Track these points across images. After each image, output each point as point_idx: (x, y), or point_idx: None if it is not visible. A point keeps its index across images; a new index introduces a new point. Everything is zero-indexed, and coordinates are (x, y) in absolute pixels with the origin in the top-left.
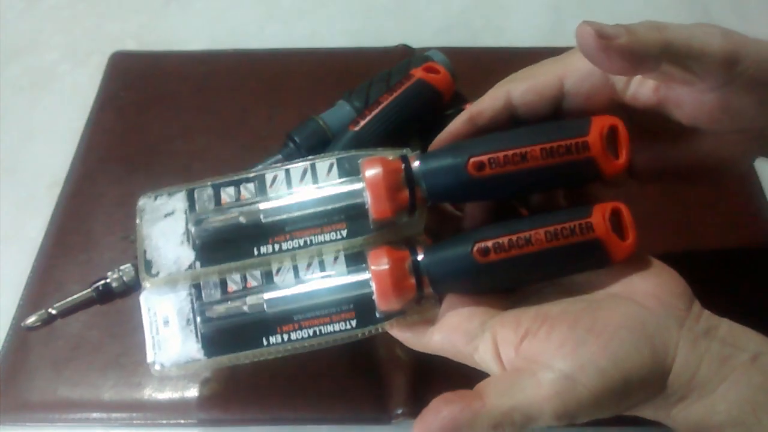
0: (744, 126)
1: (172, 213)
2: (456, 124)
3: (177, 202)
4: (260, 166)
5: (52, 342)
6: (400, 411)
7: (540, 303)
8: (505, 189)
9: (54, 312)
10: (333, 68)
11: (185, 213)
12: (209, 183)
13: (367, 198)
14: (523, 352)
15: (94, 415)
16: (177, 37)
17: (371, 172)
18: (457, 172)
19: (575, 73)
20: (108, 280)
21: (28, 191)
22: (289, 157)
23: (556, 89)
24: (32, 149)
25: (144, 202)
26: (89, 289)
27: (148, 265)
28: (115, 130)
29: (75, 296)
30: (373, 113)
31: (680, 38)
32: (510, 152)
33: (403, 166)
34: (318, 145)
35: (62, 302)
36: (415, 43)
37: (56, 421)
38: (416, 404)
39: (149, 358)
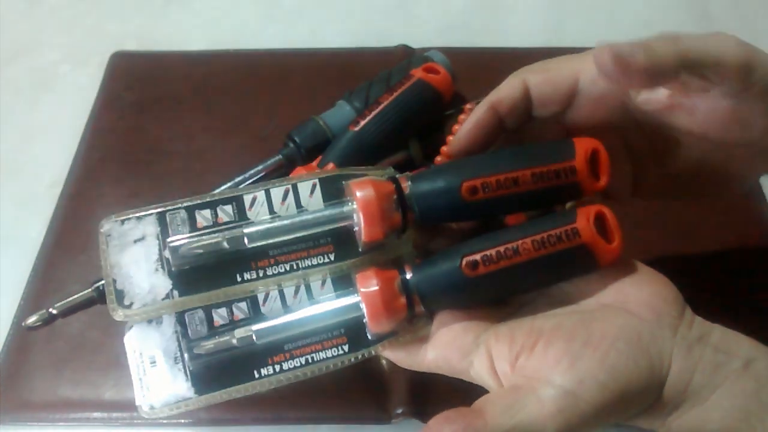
0: (753, 138)
1: (142, 239)
2: (478, 114)
3: (147, 226)
4: (260, 167)
5: (53, 342)
6: (400, 411)
7: (532, 314)
8: (495, 210)
9: (55, 312)
10: (333, 68)
11: (157, 238)
12: (182, 205)
13: (358, 221)
14: (519, 369)
15: (95, 414)
16: (177, 37)
17: (363, 195)
18: (451, 196)
19: (591, 71)
20: None
21: (29, 191)
22: (289, 158)
23: (571, 85)
24: (33, 149)
25: (109, 227)
26: (90, 289)
27: (120, 295)
28: (115, 130)
29: (76, 296)
30: (373, 113)
31: (696, 49)
32: (502, 177)
33: (395, 188)
34: (318, 145)
35: (63, 302)
36: (415, 43)
37: (57, 421)
38: (416, 404)
39: (137, 401)
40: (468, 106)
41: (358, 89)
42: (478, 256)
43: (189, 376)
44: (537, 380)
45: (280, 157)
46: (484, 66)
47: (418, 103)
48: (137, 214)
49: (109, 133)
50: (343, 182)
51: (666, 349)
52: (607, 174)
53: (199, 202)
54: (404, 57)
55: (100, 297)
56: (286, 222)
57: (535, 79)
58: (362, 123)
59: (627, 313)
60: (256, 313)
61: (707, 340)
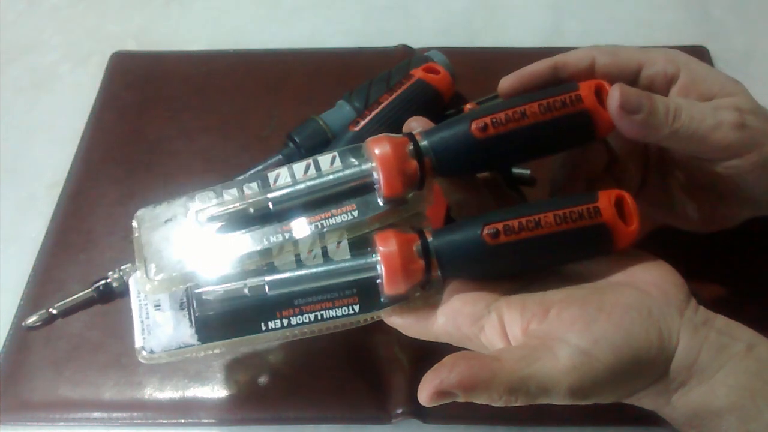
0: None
1: (172, 218)
2: (538, 65)
3: (177, 207)
4: (260, 167)
5: (53, 341)
6: (400, 411)
7: (543, 290)
8: (509, 150)
9: (55, 311)
10: (333, 68)
11: (186, 215)
12: (210, 189)
13: (378, 175)
14: (533, 332)
15: (95, 414)
16: (177, 37)
17: (380, 148)
18: (463, 136)
19: (653, 67)
20: (108, 280)
21: (29, 191)
22: (289, 158)
23: (635, 75)
24: (33, 149)
25: (143, 212)
26: (90, 289)
27: (150, 270)
28: (115, 130)
29: (76, 296)
30: (373, 113)
31: (688, 129)
32: (510, 111)
33: (410, 140)
34: (318, 145)
35: (63, 302)
36: (415, 43)
37: (57, 421)
38: (416, 404)
39: (137, 344)
40: (468, 106)
41: (358, 89)
42: (499, 225)
43: (193, 323)
44: (552, 339)
45: (280, 157)
46: (484, 66)
47: (418, 103)
48: (168, 200)
49: (109, 133)
50: (362, 145)
51: (674, 327)
52: None
53: (225, 184)
54: (404, 57)
55: (99, 297)
56: (308, 183)
57: (604, 59)
58: (362, 123)
59: (637, 290)
60: (269, 265)
61: (712, 324)
